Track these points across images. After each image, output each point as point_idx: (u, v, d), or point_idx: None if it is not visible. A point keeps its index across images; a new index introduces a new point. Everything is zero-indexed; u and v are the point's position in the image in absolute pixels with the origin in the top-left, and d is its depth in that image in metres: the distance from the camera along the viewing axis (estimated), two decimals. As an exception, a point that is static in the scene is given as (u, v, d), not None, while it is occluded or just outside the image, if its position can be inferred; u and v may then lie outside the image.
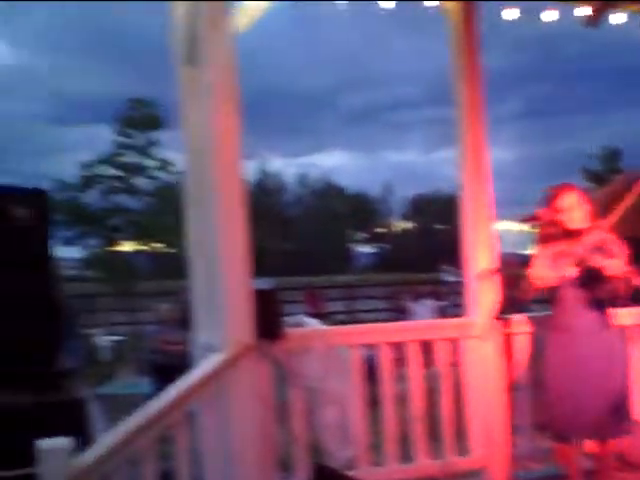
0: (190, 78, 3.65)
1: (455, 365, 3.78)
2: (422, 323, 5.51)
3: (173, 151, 17.29)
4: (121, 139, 17.01)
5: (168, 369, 5.63)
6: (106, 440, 2.91)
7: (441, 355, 3.72)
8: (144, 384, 8.40)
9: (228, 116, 3.01)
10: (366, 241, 62.08)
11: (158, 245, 18.28)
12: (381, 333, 3.69)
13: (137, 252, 18.24)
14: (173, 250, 19.21)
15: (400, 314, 10.48)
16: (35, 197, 4.18)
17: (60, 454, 2.77)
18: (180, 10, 3.69)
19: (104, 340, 14.23)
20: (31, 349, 3.95)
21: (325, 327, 3.89)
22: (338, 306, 17.73)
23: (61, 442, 2.80)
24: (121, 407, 6.90)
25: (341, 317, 15.68)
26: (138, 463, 2.93)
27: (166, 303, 9.49)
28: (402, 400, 3.69)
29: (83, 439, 3.05)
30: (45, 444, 2.79)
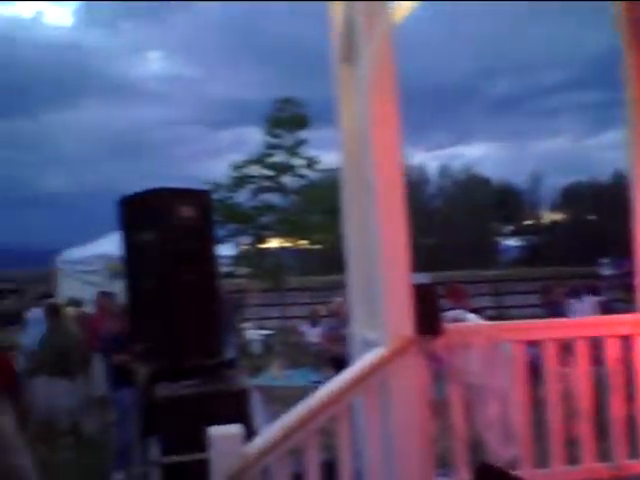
0: (347, 76, 3.69)
1: (624, 363, 3.54)
2: (590, 319, 5.21)
3: (319, 149, 17.63)
4: (270, 139, 17.48)
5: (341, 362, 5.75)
6: (271, 429, 3.01)
7: (612, 352, 3.50)
8: (294, 376, 8.64)
9: (386, 112, 3.01)
10: (512, 234, 59.86)
11: (302, 242, 18.64)
12: (547, 329, 3.52)
13: (282, 249, 18.69)
14: (317, 247, 19.52)
15: (554, 310, 9.98)
16: (199, 197, 4.42)
17: (231, 441, 2.90)
18: (337, 8, 3.74)
19: (254, 334, 14.76)
20: (200, 342, 4.19)
21: (486, 322, 3.77)
22: (484, 302, 17.21)
23: (232, 429, 2.93)
24: (272, 398, 7.13)
25: (489, 313, 15.22)
26: (301, 454, 3.00)
27: (339, 297, 9.70)
28: (567, 399, 3.51)
29: (247, 428, 3.16)
30: (217, 431, 2.93)
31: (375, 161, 3.03)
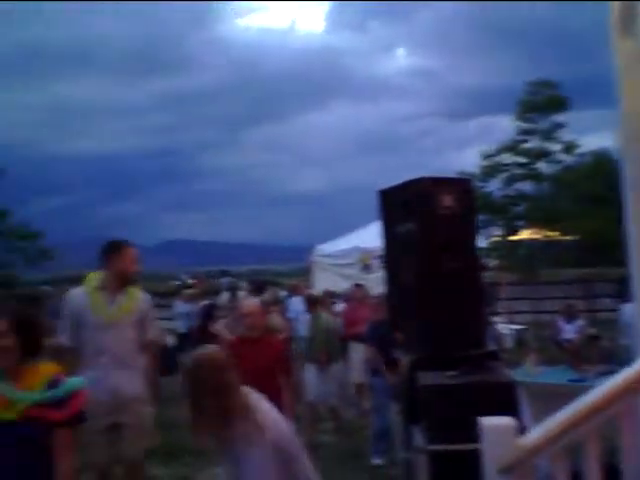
0: (629, 51, 3.40)
1: None
2: None
3: (576, 133, 16.57)
4: (523, 125, 16.82)
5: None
6: (546, 424, 2.89)
7: None
8: (549, 373, 8.24)
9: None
10: None
11: (553, 233, 17.68)
12: None
13: (534, 240, 17.90)
14: (570, 238, 18.41)
15: None
16: (461, 185, 4.39)
17: (504, 432, 2.84)
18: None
19: (505, 328, 14.38)
20: (462, 332, 4.16)
21: None
22: None
23: (505, 421, 2.87)
24: (528, 395, 6.86)
25: None
26: (578, 452, 2.84)
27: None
28: None
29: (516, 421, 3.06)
30: (489, 421, 2.89)
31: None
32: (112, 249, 4.77)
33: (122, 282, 4.73)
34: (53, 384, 2.99)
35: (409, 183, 4.42)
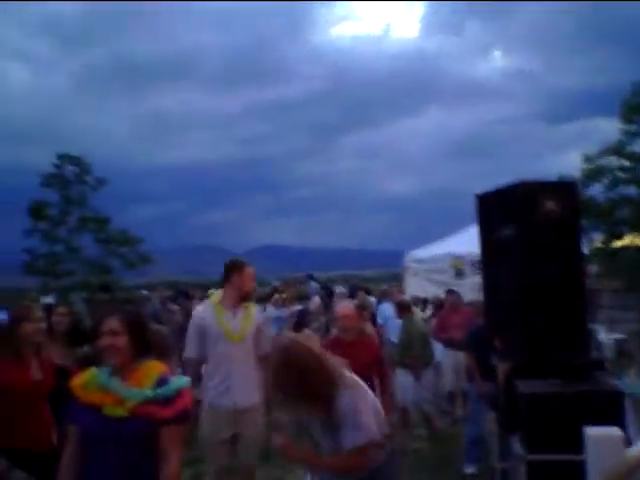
0: None
1: None
2: None
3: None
4: (628, 127, 16.22)
5: None
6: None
7: None
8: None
9: None
10: None
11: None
12: None
13: (637, 246, 17.10)
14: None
15: None
16: (566, 189, 4.26)
17: (612, 443, 2.75)
18: None
19: (605, 337, 13.92)
20: (564, 339, 4.05)
21: None
22: None
23: (612, 431, 2.78)
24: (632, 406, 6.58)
25: None
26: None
27: None
28: None
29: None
30: (596, 432, 2.80)
31: None
32: (234, 267, 5.04)
33: (241, 298, 5.00)
34: (161, 382, 3.08)
35: (510, 187, 4.32)
